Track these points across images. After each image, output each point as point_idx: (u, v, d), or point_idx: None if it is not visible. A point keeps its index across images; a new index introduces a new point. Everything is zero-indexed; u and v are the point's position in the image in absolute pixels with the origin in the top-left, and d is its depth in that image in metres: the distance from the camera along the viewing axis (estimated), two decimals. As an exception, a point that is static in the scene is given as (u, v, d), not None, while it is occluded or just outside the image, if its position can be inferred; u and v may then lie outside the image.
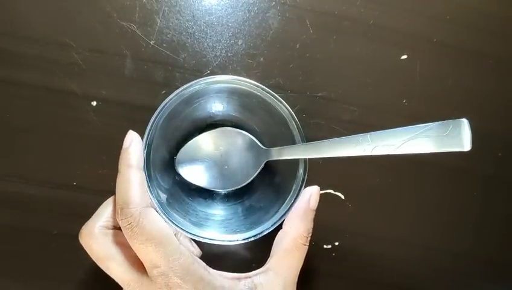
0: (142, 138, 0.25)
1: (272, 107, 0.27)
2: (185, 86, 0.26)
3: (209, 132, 0.30)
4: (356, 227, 0.35)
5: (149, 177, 0.25)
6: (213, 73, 0.34)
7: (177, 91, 0.26)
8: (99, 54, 0.33)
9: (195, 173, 0.30)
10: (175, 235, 0.23)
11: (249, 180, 0.29)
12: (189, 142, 0.30)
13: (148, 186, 0.25)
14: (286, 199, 0.27)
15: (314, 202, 0.26)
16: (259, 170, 0.29)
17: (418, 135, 0.19)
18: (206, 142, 0.30)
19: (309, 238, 0.26)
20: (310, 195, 0.26)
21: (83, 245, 0.23)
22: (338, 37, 0.35)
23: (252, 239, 0.26)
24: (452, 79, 0.37)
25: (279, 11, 0.35)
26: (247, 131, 0.30)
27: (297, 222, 0.25)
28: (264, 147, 0.29)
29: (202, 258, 0.24)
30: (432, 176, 0.36)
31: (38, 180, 0.32)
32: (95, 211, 0.25)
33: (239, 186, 0.30)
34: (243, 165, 0.30)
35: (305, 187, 0.26)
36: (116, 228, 0.24)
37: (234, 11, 0.34)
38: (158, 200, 0.25)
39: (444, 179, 0.36)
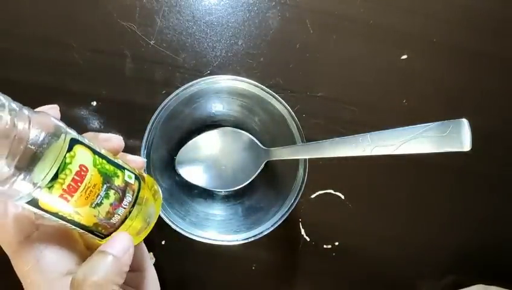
0: (142, 138, 0.25)
1: (272, 107, 0.27)
2: (184, 86, 0.26)
3: (209, 132, 0.30)
4: (356, 227, 0.35)
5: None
6: (213, 73, 0.34)
7: (177, 91, 0.26)
8: (100, 54, 0.33)
9: (195, 173, 0.30)
10: None
11: (249, 180, 0.29)
12: (189, 142, 0.30)
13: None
14: (286, 199, 0.27)
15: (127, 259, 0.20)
16: (259, 170, 0.29)
17: (418, 135, 0.19)
18: (206, 142, 0.30)
19: None
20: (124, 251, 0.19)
21: None
22: (338, 37, 0.35)
23: (252, 239, 0.26)
24: (452, 79, 0.37)
25: (279, 11, 0.35)
26: (247, 131, 0.30)
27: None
28: (264, 147, 0.29)
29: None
30: (431, 176, 0.36)
31: (38, 180, 0.32)
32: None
33: (239, 187, 0.30)
34: (243, 165, 0.30)
35: (304, 187, 0.26)
36: None
37: (234, 11, 0.34)
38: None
39: (444, 179, 0.36)
